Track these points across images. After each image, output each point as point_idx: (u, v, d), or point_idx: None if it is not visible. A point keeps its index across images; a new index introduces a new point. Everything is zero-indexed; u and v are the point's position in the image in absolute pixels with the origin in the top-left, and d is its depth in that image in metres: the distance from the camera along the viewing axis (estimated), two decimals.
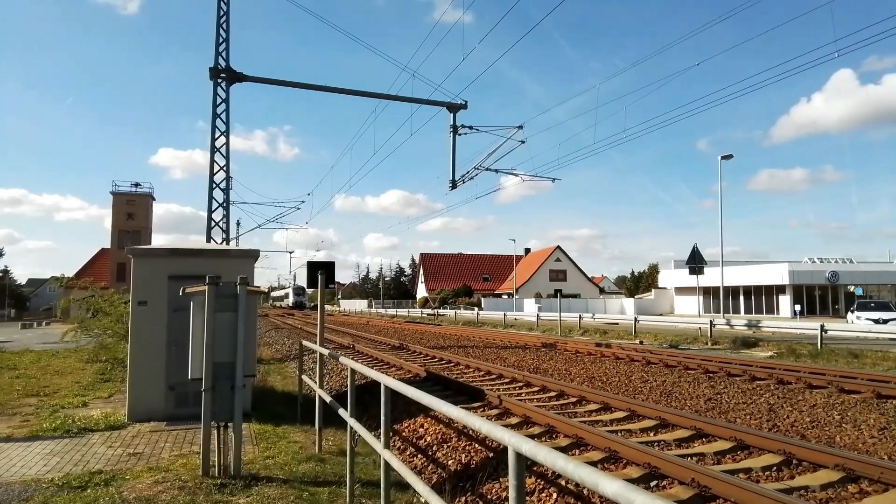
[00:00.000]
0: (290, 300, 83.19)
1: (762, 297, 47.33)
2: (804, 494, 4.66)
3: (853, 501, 4.53)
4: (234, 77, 19.14)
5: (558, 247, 77.93)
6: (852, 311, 30.92)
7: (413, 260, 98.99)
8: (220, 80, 19.01)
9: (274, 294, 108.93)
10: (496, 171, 21.03)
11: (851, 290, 46.99)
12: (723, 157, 31.52)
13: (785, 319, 37.13)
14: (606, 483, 1.69)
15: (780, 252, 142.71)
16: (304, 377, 8.48)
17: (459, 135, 20.41)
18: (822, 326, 17.92)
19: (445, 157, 20.62)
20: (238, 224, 45.05)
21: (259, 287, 8.02)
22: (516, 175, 21.63)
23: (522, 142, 20.17)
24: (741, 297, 48.56)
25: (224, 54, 19.25)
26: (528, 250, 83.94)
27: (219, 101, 19.03)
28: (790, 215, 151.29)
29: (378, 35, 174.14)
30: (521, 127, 20.22)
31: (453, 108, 20.38)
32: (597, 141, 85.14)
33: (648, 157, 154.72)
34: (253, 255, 9.24)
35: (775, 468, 5.28)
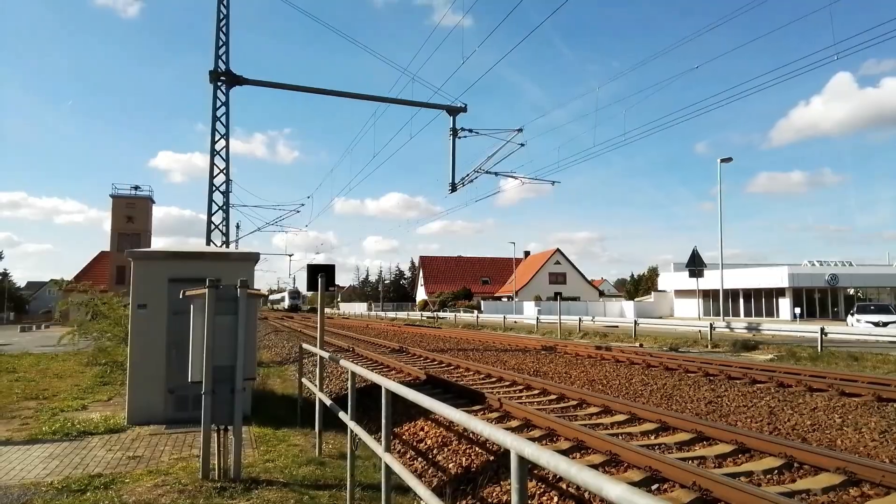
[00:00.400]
0: (286, 303, 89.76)
1: (762, 299, 47.31)
2: (806, 498, 4.65)
3: None
4: (234, 80, 19.16)
5: (558, 249, 77.96)
6: (852, 314, 30.88)
7: (413, 263, 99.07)
8: (219, 84, 19.03)
9: (272, 297, 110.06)
10: (496, 174, 21.08)
11: (851, 292, 46.99)
12: (722, 160, 31.53)
13: (785, 322, 37.11)
14: (610, 487, 1.67)
15: (779, 255, 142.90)
16: (304, 380, 8.46)
17: (459, 138, 20.45)
18: (822, 329, 17.91)
19: (445, 160, 20.74)
20: (238, 227, 45.13)
21: (259, 290, 8.01)
22: (516, 178, 21.68)
23: (522, 144, 20.24)
24: (741, 300, 48.54)
25: (224, 57, 19.28)
26: (527, 253, 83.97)
27: (218, 104, 19.06)
28: (789, 218, 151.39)
29: (378, 38, 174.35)
30: (520, 130, 20.28)
31: (453, 111, 20.42)
32: (596, 144, 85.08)
33: (648, 159, 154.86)
34: (253, 257, 9.23)
35: (777, 471, 5.28)
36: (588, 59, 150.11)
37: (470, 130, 20.59)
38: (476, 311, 49.02)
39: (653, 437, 6.63)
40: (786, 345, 18.77)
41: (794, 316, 40.93)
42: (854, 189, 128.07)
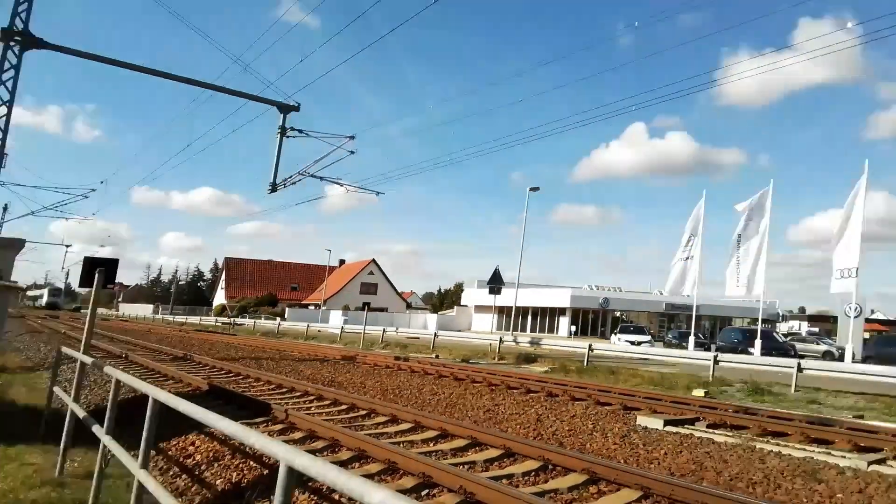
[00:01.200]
0: (45, 300, 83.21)
1: (546, 317, 52.74)
2: (554, 496, 5.19)
3: (591, 500, 5.16)
4: (31, 42, 16.12)
5: (373, 260, 78.61)
6: (615, 333, 35.81)
7: (216, 264, 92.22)
8: (12, 44, 15.93)
9: (31, 293, 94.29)
10: (321, 178, 20.43)
11: (618, 314, 54.55)
12: (531, 189, 34.65)
13: (562, 338, 41.66)
14: (374, 493, 1.75)
15: (568, 278, 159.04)
16: (57, 388, 7.38)
17: (288, 137, 19.49)
18: (589, 346, 20.39)
19: (269, 159, 19.61)
20: (5, 208, 37.33)
21: (15, 283, 6.81)
22: (341, 185, 21.24)
23: (352, 152, 19.87)
24: (529, 317, 53.57)
25: (23, 15, 16.18)
26: (342, 261, 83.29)
27: (7, 65, 15.91)
28: (581, 247, 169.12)
29: (212, 21, 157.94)
30: (353, 137, 19.95)
31: (285, 108, 19.40)
32: (423, 160, 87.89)
33: (469, 180, 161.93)
34: (16, 245, 7.85)
35: (534, 473, 5.82)
36: (427, 79, 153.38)
37: (300, 131, 19.73)
38: (279, 318, 47.19)
39: (432, 444, 6.91)
40: (560, 358, 21.00)
41: (570, 333, 46.27)
42: (632, 225, 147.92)
